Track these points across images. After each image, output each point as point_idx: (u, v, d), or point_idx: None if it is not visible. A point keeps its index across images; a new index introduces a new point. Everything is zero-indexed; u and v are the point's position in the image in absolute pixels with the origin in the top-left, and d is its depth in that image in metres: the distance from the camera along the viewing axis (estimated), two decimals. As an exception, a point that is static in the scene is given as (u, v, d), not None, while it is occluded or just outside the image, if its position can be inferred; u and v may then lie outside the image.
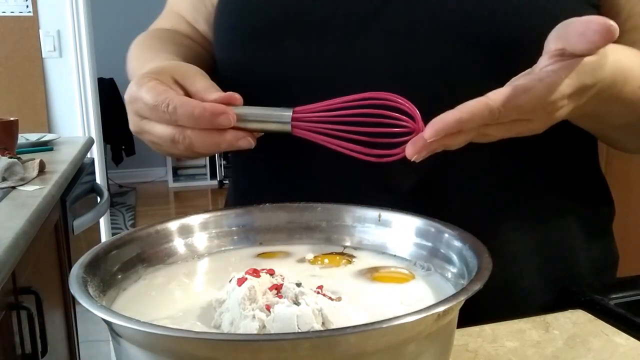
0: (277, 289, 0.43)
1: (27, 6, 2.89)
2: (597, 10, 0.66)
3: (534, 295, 0.70)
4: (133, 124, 0.59)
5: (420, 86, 0.61)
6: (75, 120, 3.01)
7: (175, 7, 0.85)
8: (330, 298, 0.43)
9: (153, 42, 0.78)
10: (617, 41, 0.57)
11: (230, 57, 0.71)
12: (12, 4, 2.87)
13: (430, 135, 0.48)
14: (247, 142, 0.55)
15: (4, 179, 1.46)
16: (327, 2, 0.65)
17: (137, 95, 0.55)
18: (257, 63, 0.68)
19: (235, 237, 0.56)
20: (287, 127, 0.54)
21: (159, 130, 0.56)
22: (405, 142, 0.50)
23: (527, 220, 0.69)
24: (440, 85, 0.62)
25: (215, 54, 0.74)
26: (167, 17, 0.85)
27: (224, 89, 0.70)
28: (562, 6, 0.63)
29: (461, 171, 0.66)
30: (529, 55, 0.58)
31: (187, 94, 0.57)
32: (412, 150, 0.49)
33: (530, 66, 0.55)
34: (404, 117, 0.51)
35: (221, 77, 0.73)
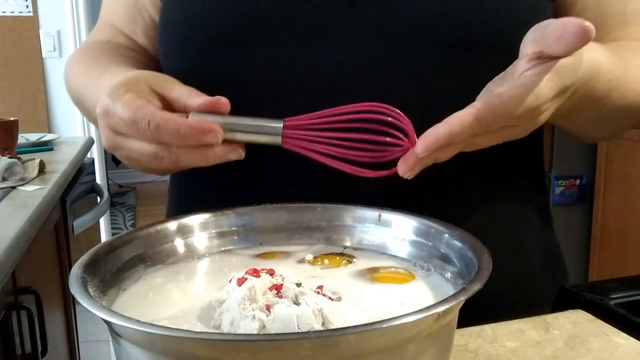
0: (277, 289, 0.43)
1: (27, 6, 2.89)
2: (554, 2, 0.67)
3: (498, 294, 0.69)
4: (107, 139, 0.56)
5: (388, 87, 0.61)
6: (75, 120, 3.01)
7: (109, 19, 0.81)
8: (330, 298, 0.43)
9: (97, 55, 0.75)
10: None
11: (181, 67, 0.68)
12: (12, 4, 2.88)
13: (422, 150, 0.48)
14: (238, 154, 0.54)
15: (4, 179, 1.46)
16: (283, 7, 0.62)
17: (111, 109, 0.53)
18: (210, 71, 0.65)
19: (235, 237, 0.56)
20: (278, 140, 0.53)
21: (138, 147, 0.54)
22: (397, 156, 0.50)
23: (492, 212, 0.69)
24: (410, 85, 0.62)
25: (162, 64, 0.72)
26: (102, 30, 0.82)
27: None
28: (524, 2, 0.64)
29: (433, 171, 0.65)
30: (497, 53, 0.60)
31: (166, 103, 0.56)
32: (405, 168, 0.49)
33: (499, 64, 0.55)
34: (399, 133, 0.50)
35: None
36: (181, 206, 0.75)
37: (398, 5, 0.61)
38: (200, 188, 0.72)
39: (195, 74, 0.66)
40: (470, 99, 0.56)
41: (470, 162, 0.57)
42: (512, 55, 0.60)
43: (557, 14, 0.68)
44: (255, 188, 0.67)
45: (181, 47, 0.67)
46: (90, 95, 0.67)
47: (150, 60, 0.77)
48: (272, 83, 0.63)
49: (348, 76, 0.62)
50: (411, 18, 0.61)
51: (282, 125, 0.52)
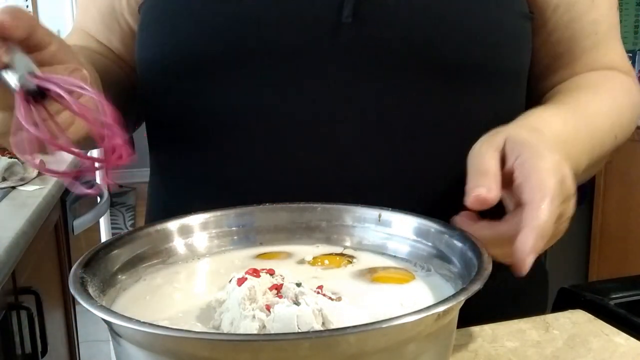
0: (277, 289, 0.43)
1: (27, 6, 2.89)
2: (532, 22, 0.68)
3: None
4: None
5: (370, 114, 0.61)
6: (75, 120, 3.01)
7: (83, 26, 0.77)
8: (330, 298, 0.43)
9: None
10: (545, 49, 0.65)
11: (158, 88, 0.67)
12: (12, 4, 2.88)
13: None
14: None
15: (4, 179, 1.46)
16: (264, 31, 0.61)
17: None
18: (187, 94, 0.64)
19: (235, 237, 0.56)
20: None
21: None
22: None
23: None
24: (392, 114, 0.62)
25: (138, 75, 0.69)
26: (77, 36, 0.77)
27: (150, 111, 0.69)
28: (504, 25, 0.65)
29: (425, 170, 0.65)
30: (480, 78, 0.62)
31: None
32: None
33: (480, 90, 0.58)
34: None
35: (144, 99, 0.70)
36: (165, 210, 0.73)
37: (383, 32, 0.61)
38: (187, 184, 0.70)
39: (170, 97, 0.65)
40: (450, 127, 0.58)
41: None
42: (491, 83, 0.63)
43: (533, 34, 0.69)
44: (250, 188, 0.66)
45: (159, 67, 0.66)
46: None
47: (122, 69, 0.75)
48: (250, 108, 0.62)
49: (329, 102, 0.61)
50: (395, 47, 0.61)
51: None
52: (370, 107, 0.62)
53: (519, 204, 0.49)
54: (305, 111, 0.62)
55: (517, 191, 0.49)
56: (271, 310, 0.40)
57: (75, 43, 0.75)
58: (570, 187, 0.51)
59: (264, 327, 0.39)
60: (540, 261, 0.76)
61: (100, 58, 0.73)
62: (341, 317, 0.40)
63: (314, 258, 0.54)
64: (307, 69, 0.61)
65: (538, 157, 0.49)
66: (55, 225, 1.61)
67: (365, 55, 0.61)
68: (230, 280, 0.44)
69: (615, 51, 0.73)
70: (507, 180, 0.50)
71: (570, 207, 0.52)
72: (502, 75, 0.66)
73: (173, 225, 0.54)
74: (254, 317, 0.40)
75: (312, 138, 0.62)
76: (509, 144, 0.51)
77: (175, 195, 0.71)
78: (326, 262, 0.53)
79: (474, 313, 0.51)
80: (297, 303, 0.41)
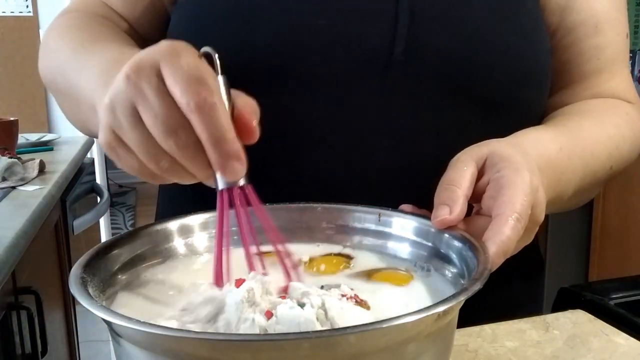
0: (285, 290, 0.43)
1: (27, 6, 2.89)
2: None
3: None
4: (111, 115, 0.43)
5: (407, 143, 0.62)
6: (75, 120, 3.01)
7: None
8: (357, 301, 0.43)
9: (95, 28, 0.64)
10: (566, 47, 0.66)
11: None
12: (12, 4, 2.87)
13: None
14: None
15: (4, 179, 1.46)
16: (315, 56, 0.61)
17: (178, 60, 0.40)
18: None
19: (235, 237, 0.56)
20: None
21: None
22: None
23: None
24: (429, 141, 0.63)
25: None
26: (91, 3, 0.71)
27: None
28: (540, 63, 0.66)
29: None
30: (515, 112, 0.64)
31: None
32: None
33: (510, 121, 0.59)
34: None
35: None
36: (174, 207, 0.73)
37: (431, 69, 0.61)
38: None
39: None
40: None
41: None
42: (522, 114, 0.64)
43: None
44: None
45: None
46: (86, 74, 0.56)
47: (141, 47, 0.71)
48: (284, 125, 0.62)
49: (367, 130, 0.62)
50: (441, 83, 0.62)
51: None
52: (406, 136, 0.62)
53: (480, 214, 0.49)
54: (341, 138, 0.62)
55: (487, 202, 0.49)
56: (273, 312, 0.40)
57: (93, 11, 0.70)
58: (539, 214, 0.50)
59: (266, 330, 0.39)
60: (537, 253, 0.76)
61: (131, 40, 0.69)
62: (350, 318, 0.40)
63: (310, 261, 0.53)
64: (350, 99, 0.62)
65: (516, 174, 0.49)
66: (55, 225, 1.61)
67: (407, 90, 0.62)
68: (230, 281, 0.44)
69: (620, 78, 0.72)
70: (480, 191, 0.50)
71: (531, 235, 0.52)
72: (532, 108, 0.68)
73: (173, 225, 0.54)
74: (253, 320, 0.39)
75: (345, 164, 0.63)
76: (491, 157, 0.51)
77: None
78: (322, 267, 0.53)
79: (474, 313, 0.51)
80: (301, 304, 0.40)
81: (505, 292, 0.70)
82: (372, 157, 0.63)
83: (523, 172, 0.49)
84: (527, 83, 0.65)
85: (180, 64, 0.41)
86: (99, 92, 0.50)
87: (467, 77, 0.62)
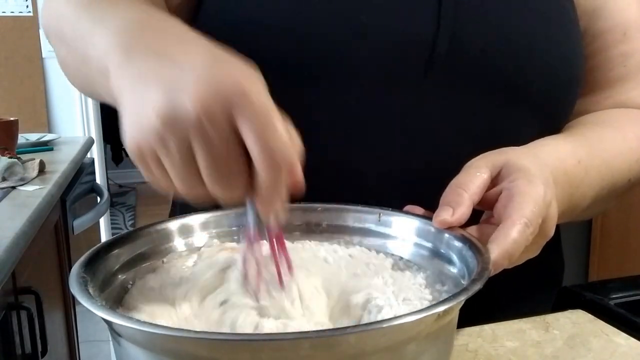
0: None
1: (27, 6, 2.89)
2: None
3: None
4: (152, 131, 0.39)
5: (452, 145, 0.62)
6: (75, 120, 3.01)
7: None
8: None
9: None
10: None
11: None
12: (12, 4, 2.87)
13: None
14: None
15: (4, 179, 1.46)
16: (355, 53, 0.60)
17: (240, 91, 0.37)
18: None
19: (235, 237, 0.56)
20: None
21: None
22: None
23: None
24: (465, 143, 0.62)
25: None
26: None
27: None
28: (579, 61, 0.66)
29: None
30: (557, 114, 0.64)
31: None
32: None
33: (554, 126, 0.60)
34: None
35: None
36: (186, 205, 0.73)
37: (472, 67, 0.61)
38: None
39: None
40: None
41: None
42: (559, 112, 0.65)
43: None
44: None
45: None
46: (100, 28, 0.48)
47: None
48: (322, 120, 0.62)
49: (405, 128, 0.62)
50: (482, 80, 0.61)
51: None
52: (443, 137, 0.62)
53: (491, 222, 0.49)
54: (378, 137, 0.62)
55: (498, 211, 0.49)
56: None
57: None
58: (549, 229, 0.50)
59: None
60: (550, 261, 0.75)
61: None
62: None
63: None
64: (390, 97, 0.61)
65: (530, 185, 0.48)
66: (55, 225, 1.61)
67: (447, 91, 0.61)
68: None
69: None
70: (492, 199, 0.50)
71: (538, 249, 0.51)
72: (569, 114, 0.67)
73: (173, 225, 0.54)
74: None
75: (381, 163, 0.62)
76: (506, 167, 0.51)
77: None
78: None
79: (474, 313, 0.51)
80: None
81: (528, 303, 0.70)
82: (407, 157, 0.62)
83: (537, 184, 0.48)
84: (571, 89, 0.65)
85: (255, 110, 0.37)
86: (112, 57, 0.44)
87: (510, 81, 0.61)
